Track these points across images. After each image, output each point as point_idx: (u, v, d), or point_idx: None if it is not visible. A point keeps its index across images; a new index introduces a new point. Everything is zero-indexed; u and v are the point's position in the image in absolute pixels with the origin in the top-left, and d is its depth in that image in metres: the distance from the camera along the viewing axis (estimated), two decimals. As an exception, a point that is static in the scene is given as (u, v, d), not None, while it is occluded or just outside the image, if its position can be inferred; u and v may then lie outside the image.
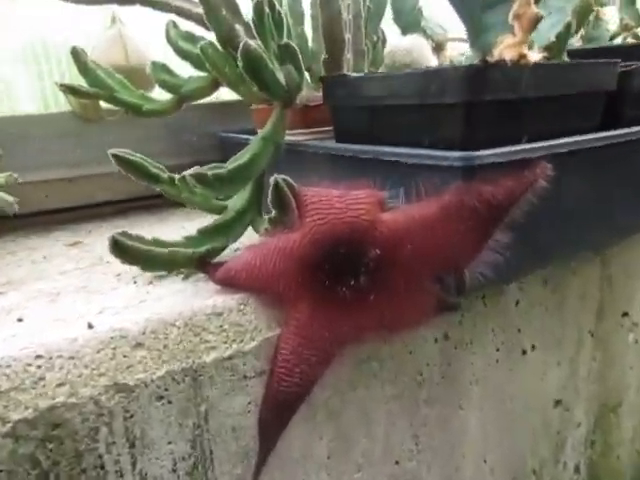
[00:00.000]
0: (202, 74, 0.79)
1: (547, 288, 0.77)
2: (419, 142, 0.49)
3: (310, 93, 0.75)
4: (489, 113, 0.46)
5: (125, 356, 0.46)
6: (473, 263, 0.47)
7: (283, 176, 0.50)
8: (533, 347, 0.78)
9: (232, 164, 0.60)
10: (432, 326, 0.64)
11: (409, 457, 0.67)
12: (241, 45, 0.58)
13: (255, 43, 0.58)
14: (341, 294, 0.50)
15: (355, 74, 0.58)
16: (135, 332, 0.47)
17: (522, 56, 0.43)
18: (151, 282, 0.60)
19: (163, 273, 0.62)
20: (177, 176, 0.55)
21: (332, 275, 0.49)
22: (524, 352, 0.77)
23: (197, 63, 0.78)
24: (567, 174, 0.48)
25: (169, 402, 0.47)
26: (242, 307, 0.51)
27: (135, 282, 0.61)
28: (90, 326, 0.48)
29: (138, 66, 0.93)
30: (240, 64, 0.59)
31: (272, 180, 0.50)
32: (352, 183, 0.49)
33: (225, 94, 0.94)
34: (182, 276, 0.59)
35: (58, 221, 0.95)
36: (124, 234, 0.49)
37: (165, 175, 0.60)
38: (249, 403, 0.51)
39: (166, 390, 0.47)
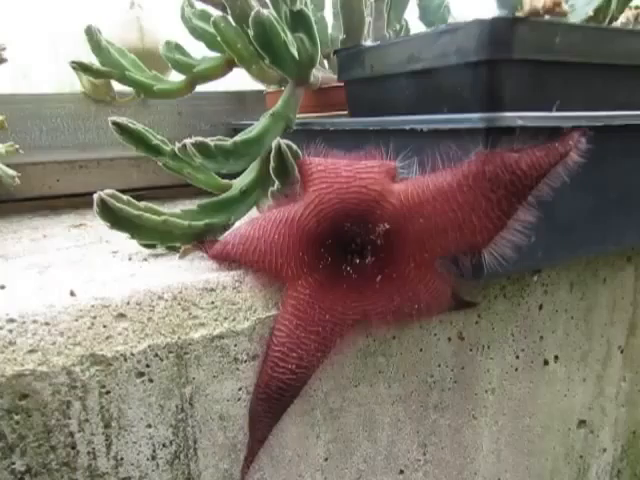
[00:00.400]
0: (216, 55, 0.77)
1: (574, 294, 0.71)
2: (438, 112, 0.45)
3: (327, 76, 0.72)
4: (517, 75, 0.41)
5: (105, 326, 0.42)
6: (492, 243, 0.42)
7: (287, 141, 0.47)
8: (556, 358, 0.72)
9: (238, 138, 0.57)
10: (445, 322, 0.59)
11: (415, 467, 0.61)
12: (252, 13, 0.55)
13: (268, 12, 0.55)
14: (345, 274, 0.45)
15: (370, 43, 0.54)
16: (118, 302, 0.43)
17: (556, 4, 0.39)
18: (146, 259, 0.57)
19: (160, 251, 0.58)
20: (178, 145, 0.52)
21: (336, 252, 0.45)
22: (546, 363, 0.71)
23: (211, 43, 0.75)
24: (610, 154, 0.43)
25: (150, 380, 0.43)
26: (237, 284, 0.47)
27: (130, 259, 0.58)
28: (72, 294, 0.44)
29: (154, 50, 0.92)
30: (251, 33, 0.56)
31: (274, 144, 0.47)
32: (361, 154, 0.45)
33: (240, 82, 0.92)
34: (179, 254, 0.56)
35: (67, 205, 0.93)
36: (113, 195, 0.46)
37: (168, 147, 0.57)
38: (240, 389, 0.47)
39: (147, 366, 0.43)
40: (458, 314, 0.60)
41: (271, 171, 0.48)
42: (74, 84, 0.88)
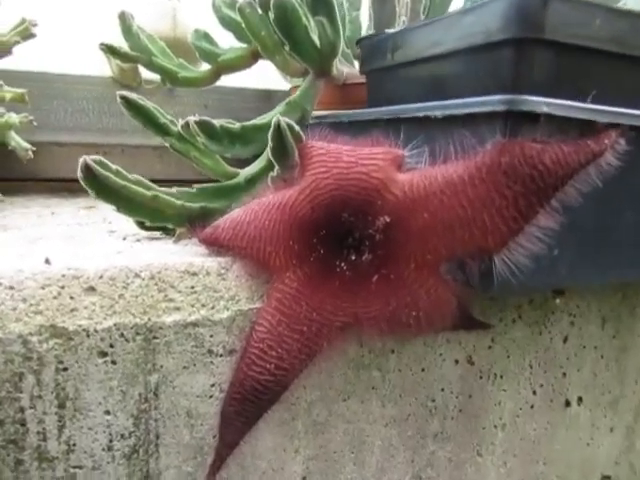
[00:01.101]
0: (243, 45, 0.75)
1: (606, 330, 0.64)
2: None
3: (354, 73, 0.68)
4: (547, 59, 0.37)
5: (72, 298, 0.39)
6: (506, 249, 0.36)
7: (288, 120, 0.43)
8: (580, 400, 0.64)
9: (247, 122, 0.54)
10: (453, 342, 0.53)
11: (406, 501, 0.55)
12: (275, -5, 0.52)
13: (292, -4, 0.53)
14: (338, 270, 0.41)
15: (393, 29, 0.51)
16: (91, 274, 0.40)
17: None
18: (139, 240, 0.54)
19: (158, 235, 0.56)
20: (181, 121, 0.49)
21: (330, 245, 0.41)
22: (568, 404, 0.63)
23: (238, 32, 0.74)
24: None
25: (113, 362, 0.40)
26: (223, 271, 0.44)
27: (125, 239, 0.55)
28: (47, 262, 0.42)
29: (186, 41, 0.91)
30: (271, 17, 0.54)
31: (274, 121, 0.43)
32: (368, 141, 0.41)
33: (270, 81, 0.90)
34: (174, 238, 0.53)
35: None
36: (100, 162, 0.43)
37: (175, 128, 0.55)
38: (212, 386, 0.43)
39: (111, 346, 0.39)
40: (468, 335, 0.54)
41: (269, 152, 0.44)
42: (104, 69, 0.88)
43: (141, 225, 0.54)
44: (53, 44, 0.85)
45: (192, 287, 0.42)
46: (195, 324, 0.41)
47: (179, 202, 0.47)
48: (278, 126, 0.42)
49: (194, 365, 0.42)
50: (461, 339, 0.54)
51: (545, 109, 0.35)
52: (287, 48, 0.56)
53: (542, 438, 0.63)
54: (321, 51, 0.56)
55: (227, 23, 0.73)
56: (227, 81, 0.94)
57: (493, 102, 0.36)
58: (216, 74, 0.77)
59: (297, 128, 0.43)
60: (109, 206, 0.75)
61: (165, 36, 0.88)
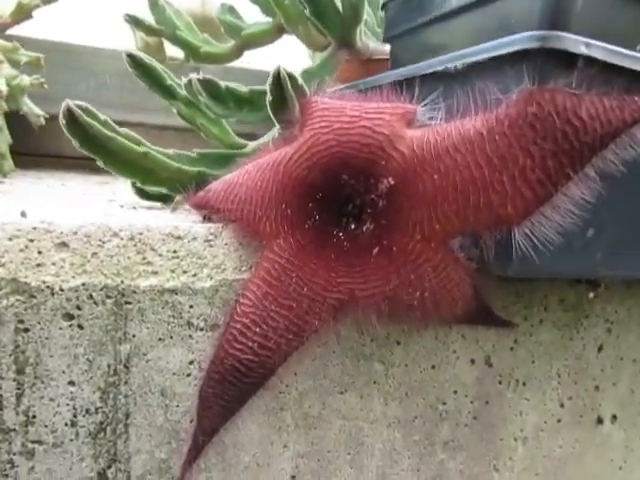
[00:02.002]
0: (268, 20, 0.72)
1: (648, 341, 0.57)
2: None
3: (380, 49, 0.63)
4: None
5: (40, 252, 0.35)
6: (530, 220, 0.31)
7: (290, 70, 0.39)
8: (614, 418, 0.57)
9: (258, 86, 0.50)
10: (469, 339, 0.47)
11: (408, 515, 0.49)
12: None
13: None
14: (335, 240, 0.36)
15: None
16: (64, 229, 0.37)
17: None
18: (135, 207, 0.51)
19: (158, 205, 0.52)
20: (184, 79, 0.45)
21: (327, 211, 0.36)
22: (600, 421, 0.56)
23: (264, 6, 0.70)
24: None
25: (79, 326, 0.36)
26: (211, 237, 0.40)
27: (122, 206, 0.52)
28: (23, 215, 0.38)
29: (214, 18, 0.89)
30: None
31: (273, 70, 0.39)
32: (379, 96, 0.36)
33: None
34: (171, 206, 0.49)
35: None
36: (85, 109, 0.40)
37: (183, 92, 0.51)
38: (191, 363, 0.39)
39: (78, 309, 0.36)
40: (487, 332, 0.48)
41: (267, 105, 0.40)
42: (129, 44, 0.86)
43: (140, 193, 0.51)
44: (78, 15, 0.84)
45: (174, 251, 0.38)
46: (174, 291, 0.37)
47: (175, 164, 0.43)
48: (278, 75, 0.38)
49: (171, 338, 0.38)
50: (479, 336, 0.48)
51: (584, 50, 0.29)
52: (308, 13, 0.52)
53: (569, 457, 0.56)
54: (343, 17, 0.51)
55: (255, -4, 0.70)
56: (253, 64, 0.91)
57: (522, 40, 0.31)
58: (240, 49, 0.74)
59: (300, 79, 0.39)
60: (122, 182, 0.73)
61: (193, 13, 0.86)
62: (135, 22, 0.75)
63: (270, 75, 0.39)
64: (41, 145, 0.85)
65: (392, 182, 0.33)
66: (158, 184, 0.44)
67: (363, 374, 0.44)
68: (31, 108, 0.64)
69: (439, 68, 0.37)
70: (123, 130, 0.43)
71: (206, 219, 0.42)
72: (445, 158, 0.31)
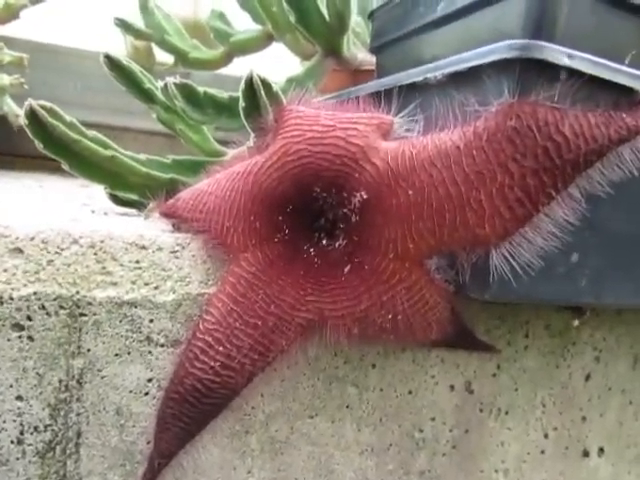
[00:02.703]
0: (258, 27, 0.71)
1: (637, 371, 0.54)
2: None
3: (369, 60, 0.62)
4: (578, 4, 0.29)
5: (-9, 258, 0.33)
6: (509, 241, 0.29)
7: (263, 75, 0.37)
8: (601, 451, 0.55)
9: (236, 93, 0.48)
10: (449, 363, 0.45)
11: None
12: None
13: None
14: (305, 256, 0.34)
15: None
16: (21, 235, 0.35)
17: None
18: (107, 213, 0.49)
19: (133, 212, 0.50)
20: (160, 83, 0.44)
21: (297, 225, 0.34)
22: (586, 454, 0.54)
23: (254, 13, 0.69)
24: None
25: (30, 338, 0.34)
26: (178, 248, 0.38)
27: (93, 212, 0.50)
28: (-21, 218, 0.36)
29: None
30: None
31: (246, 74, 0.37)
32: (356, 106, 0.34)
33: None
34: (144, 214, 0.47)
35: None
36: (50, 110, 0.38)
37: (162, 96, 0.50)
38: (149, 381, 0.36)
39: (29, 319, 0.33)
40: (468, 357, 0.46)
41: (240, 112, 0.38)
42: (119, 49, 0.85)
43: (114, 199, 0.49)
44: (67, 17, 0.83)
45: (137, 262, 0.36)
46: (133, 304, 0.35)
47: (144, 169, 0.41)
48: (250, 80, 0.36)
49: (128, 354, 0.35)
50: (459, 361, 0.46)
51: (567, 61, 0.28)
52: (293, 20, 0.51)
53: (552, 491, 0.53)
54: (329, 25, 0.50)
55: (244, 2, 0.69)
56: (244, 71, 0.89)
57: (501, 49, 0.29)
58: (229, 56, 0.72)
59: (275, 86, 0.37)
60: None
61: (185, 19, 0.85)
62: (124, 26, 0.74)
63: (243, 80, 0.37)
64: (23, 146, 0.82)
65: (365, 196, 0.31)
66: (127, 190, 0.42)
67: (335, 398, 0.42)
68: (11, 108, 0.63)
69: (418, 79, 0.35)
70: (91, 132, 0.41)
71: (176, 228, 0.40)
72: (420, 173, 0.29)
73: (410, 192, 0.30)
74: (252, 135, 0.39)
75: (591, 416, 0.53)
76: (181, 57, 0.73)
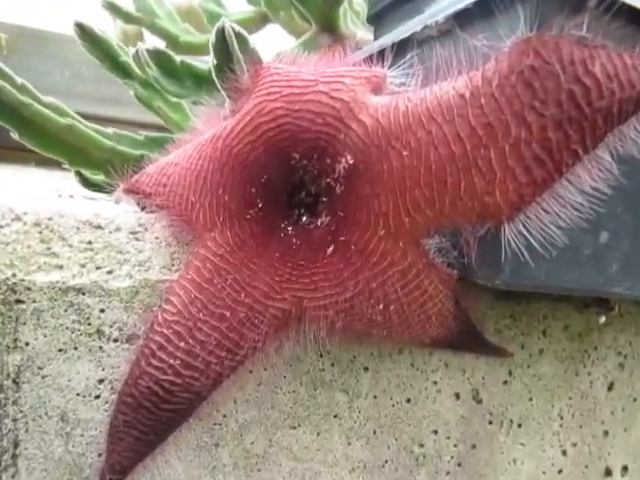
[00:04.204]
0: (252, 8, 0.66)
1: (668, 381, 0.48)
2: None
3: (366, 36, 0.57)
4: None
5: None
6: (525, 213, 0.24)
7: (238, 27, 0.32)
8: (624, 470, 0.49)
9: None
10: (454, 368, 0.39)
11: None
12: None
13: None
14: (282, 235, 0.29)
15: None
16: (-47, 209, 0.30)
17: None
18: (72, 196, 0.44)
19: (106, 197, 0.45)
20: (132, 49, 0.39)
21: (273, 198, 0.29)
22: (608, 473, 0.48)
23: (251, -5, 0.65)
24: None
25: (-44, 329, 0.29)
26: (139, 229, 0.33)
27: (60, 195, 0.45)
28: None
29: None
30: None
31: (217, 25, 0.32)
32: (343, 61, 0.29)
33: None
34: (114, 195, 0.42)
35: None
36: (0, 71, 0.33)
37: (139, 71, 0.45)
38: (101, 382, 0.31)
39: (-45, 306, 0.28)
40: (476, 361, 0.40)
41: (212, 70, 0.33)
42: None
43: (84, 181, 0.44)
44: (54, 0, 0.79)
45: (89, 242, 0.31)
46: (80, 290, 0.30)
47: (109, 143, 0.36)
48: (222, 32, 0.31)
49: (75, 349, 0.30)
50: (465, 366, 0.40)
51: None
52: (296, 13, 0.46)
53: (571, 516, 0.47)
54: (325, 2, 0.45)
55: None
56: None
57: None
58: (219, 38, 0.68)
59: (251, 41, 0.32)
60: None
61: (179, 4, 0.81)
62: (113, 9, 0.70)
63: (213, 32, 0.32)
64: (11, 139, 0.78)
65: (351, 161, 0.26)
66: (90, 167, 0.37)
67: (321, 405, 0.36)
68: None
69: (417, 29, 0.30)
70: (47, 98, 0.36)
71: (141, 208, 0.35)
72: (417, 130, 0.24)
73: (404, 153, 0.24)
74: (227, 100, 0.34)
75: (614, 430, 0.48)
76: (172, 42, 0.68)
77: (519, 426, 0.44)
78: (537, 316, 0.42)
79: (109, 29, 0.80)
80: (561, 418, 0.45)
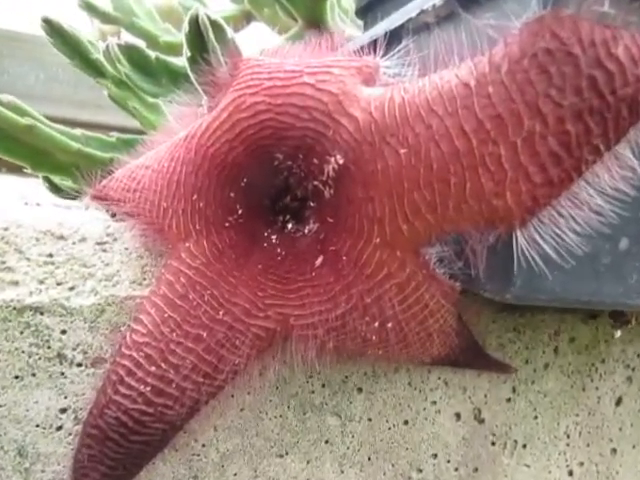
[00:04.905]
0: (235, 6, 0.64)
1: (678, 394, 0.46)
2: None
3: (354, 33, 0.55)
4: None
5: None
6: (538, 217, 0.21)
7: (213, 14, 0.29)
8: (637, 490, 0.46)
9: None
10: (453, 386, 0.36)
11: None
12: None
13: None
14: (266, 244, 0.26)
15: None
16: None
17: None
18: (39, 204, 0.41)
19: (76, 204, 0.42)
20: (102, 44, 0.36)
21: (255, 203, 0.26)
22: (619, 494, 0.45)
23: (234, -8, 0.62)
24: None
25: None
26: (107, 239, 0.29)
27: (26, 203, 0.42)
28: None
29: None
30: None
31: (190, 14, 0.29)
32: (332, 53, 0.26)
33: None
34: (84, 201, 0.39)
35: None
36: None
37: (111, 68, 0.42)
38: (63, 412, 0.28)
39: None
40: (477, 379, 0.37)
41: (185, 62, 0.30)
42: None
43: (52, 187, 0.40)
44: (29, 1, 0.76)
45: (49, 255, 0.28)
46: (38, 310, 0.27)
47: (75, 145, 0.33)
48: (196, 20, 0.28)
49: (33, 375, 0.27)
50: (466, 384, 0.37)
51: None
52: (280, 9, 0.43)
53: (580, 542, 0.44)
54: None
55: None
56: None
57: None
58: (201, 38, 0.65)
59: (229, 31, 0.29)
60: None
61: (159, 4, 0.78)
62: (90, 8, 0.67)
63: (186, 21, 0.29)
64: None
65: (341, 161, 0.23)
66: (55, 171, 0.34)
67: (311, 431, 0.33)
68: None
69: (413, 14, 0.27)
70: (6, 96, 0.33)
71: (111, 216, 0.32)
72: (415, 124, 0.21)
73: (402, 151, 0.22)
74: (203, 96, 0.31)
75: (622, 448, 0.45)
76: (152, 42, 0.65)
77: (524, 446, 0.41)
78: (542, 329, 0.39)
79: (87, 31, 0.77)
80: (567, 437, 0.42)
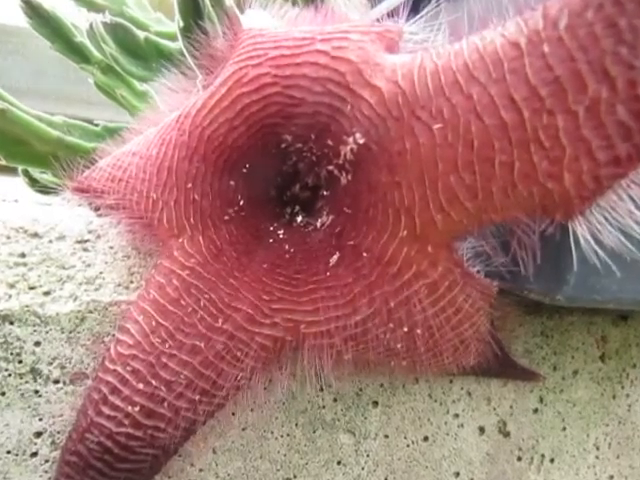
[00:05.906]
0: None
1: None
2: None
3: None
4: None
5: None
6: (603, 207, 0.17)
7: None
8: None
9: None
10: (477, 398, 0.33)
11: None
12: None
13: None
14: (272, 240, 0.23)
15: None
16: None
17: None
18: (17, 200, 0.37)
19: (58, 201, 0.38)
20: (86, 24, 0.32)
21: (258, 193, 0.22)
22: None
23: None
24: None
25: None
26: (88, 237, 0.26)
27: (4, 200, 0.38)
28: None
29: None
30: None
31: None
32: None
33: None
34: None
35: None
36: None
37: (97, 52, 0.38)
38: (38, 435, 0.24)
39: None
40: (502, 388, 0.34)
41: (177, 31, 0.27)
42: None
43: (32, 183, 0.37)
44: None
45: (22, 255, 0.24)
46: (8, 318, 0.23)
47: (54, 133, 0.29)
48: (189, -16, 0.25)
49: (2, 394, 0.23)
50: (490, 394, 0.34)
51: None
52: None
53: None
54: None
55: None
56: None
57: None
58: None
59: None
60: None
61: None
62: (80, -2, 0.63)
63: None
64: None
65: (361, 141, 0.20)
66: (32, 162, 0.31)
67: (321, 451, 0.30)
68: None
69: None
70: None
71: (94, 210, 0.29)
72: (452, 94, 0.18)
73: (435, 127, 0.18)
74: (198, 73, 0.27)
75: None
76: (143, 30, 0.61)
77: (551, 461, 0.37)
78: (570, 332, 0.36)
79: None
80: (597, 449, 0.39)
